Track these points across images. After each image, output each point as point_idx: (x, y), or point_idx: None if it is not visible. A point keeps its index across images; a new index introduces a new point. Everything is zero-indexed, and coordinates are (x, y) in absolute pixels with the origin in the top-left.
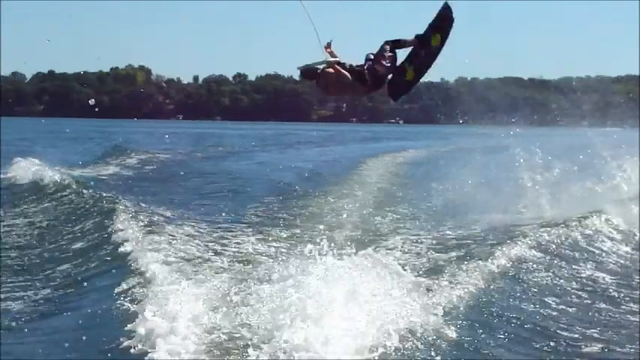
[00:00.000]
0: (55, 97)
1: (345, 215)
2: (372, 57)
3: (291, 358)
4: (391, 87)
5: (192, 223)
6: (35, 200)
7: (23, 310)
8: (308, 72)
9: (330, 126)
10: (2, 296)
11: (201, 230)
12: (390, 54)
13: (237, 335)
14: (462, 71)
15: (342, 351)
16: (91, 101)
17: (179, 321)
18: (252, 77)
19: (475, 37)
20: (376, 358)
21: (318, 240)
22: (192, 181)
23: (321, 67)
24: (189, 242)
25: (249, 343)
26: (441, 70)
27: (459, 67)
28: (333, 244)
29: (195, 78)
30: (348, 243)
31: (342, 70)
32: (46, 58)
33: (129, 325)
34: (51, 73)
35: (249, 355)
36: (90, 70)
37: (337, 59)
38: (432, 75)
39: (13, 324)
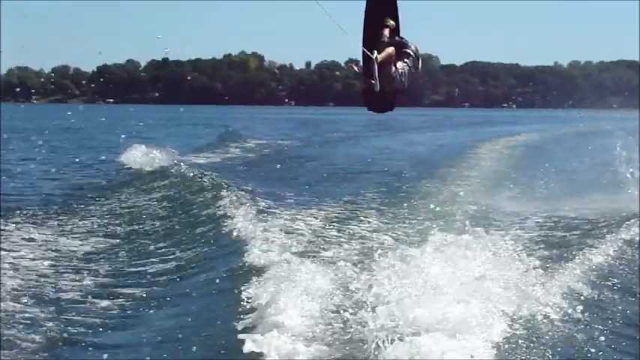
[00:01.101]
0: (169, 84)
1: (459, 197)
2: None
3: (415, 338)
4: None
5: (308, 208)
6: (151, 185)
7: (140, 295)
8: None
9: (443, 111)
10: (122, 280)
11: (317, 215)
12: None
13: (360, 317)
14: (576, 55)
15: (458, 332)
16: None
17: (297, 306)
18: None
19: (587, 19)
20: (494, 339)
21: (433, 222)
22: (305, 166)
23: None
24: (307, 226)
25: (373, 327)
26: (553, 54)
27: (571, 51)
28: (448, 226)
29: (308, 64)
30: (463, 224)
31: None
32: (160, 46)
33: (243, 311)
34: (165, 60)
35: (374, 339)
36: (203, 58)
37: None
38: (544, 58)
39: (133, 307)
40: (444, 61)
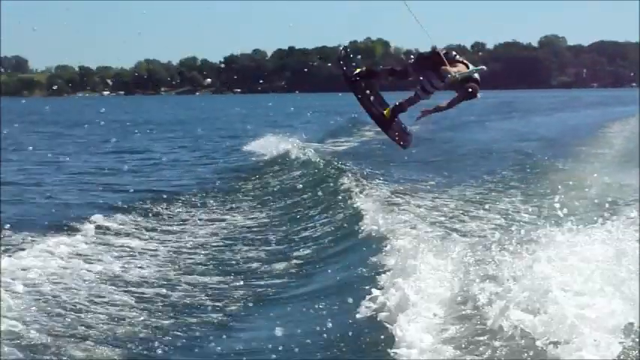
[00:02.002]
0: (296, 72)
1: (589, 181)
2: None
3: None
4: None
5: (443, 190)
6: (282, 173)
7: (275, 277)
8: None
9: (571, 92)
10: (258, 266)
11: (444, 200)
12: None
13: (487, 307)
14: None
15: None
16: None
17: (427, 293)
18: (490, 45)
19: None
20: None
21: (561, 208)
22: (437, 149)
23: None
24: (433, 212)
25: (502, 315)
26: None
27: None
28: (575, 213)
29: (434, 48)
30: (592, 211)
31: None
32: (287, 35)
33: (373, 298)
34: (291, 49)
35: (507, 322)
36: (329, 45)
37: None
38: None
39: (268, 289)
40: (570, 42)
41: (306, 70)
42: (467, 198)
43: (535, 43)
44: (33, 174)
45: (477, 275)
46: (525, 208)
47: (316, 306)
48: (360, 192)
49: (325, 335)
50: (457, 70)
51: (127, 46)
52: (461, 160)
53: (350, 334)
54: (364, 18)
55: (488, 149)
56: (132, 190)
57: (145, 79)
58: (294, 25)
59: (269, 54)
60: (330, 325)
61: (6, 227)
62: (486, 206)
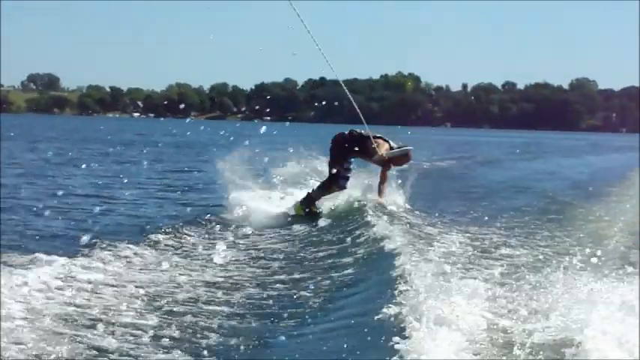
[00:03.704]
0: (326, 103)
1: (615, 228)
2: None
3: None
4: None
5: (453, 229)
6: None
7: (294, 307)
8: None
9: (600, 135)
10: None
11: (463, 236)
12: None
13: (515, 338)
14: None
15: None
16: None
17: (449, 330)
18: (521, 86)
19: None
20: None
21: (584, 253)
22: (459, 186)
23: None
24: (452, 248)
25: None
26: None
27: None
28: (601, 260)
29: (464, 86)
30: (616, 259)
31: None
32: (316, 66)
33: (394, 333)
34: (322, 79)
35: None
36: (360, 78)
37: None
38: None
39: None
40: (601, 86)
41: (336, 103)
42: (498, 230)
43: (566, 86)
44: (103, 188)
45: (506, 307)
46: (559, 243)
47: (339, 330)
48: (388, 220)
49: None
50: (386, 148)
51: (158, 69)
52: (493, 194)
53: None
54: (396, 52)
55: (517, 186)
56: (201, 204)
57: (176, 103)
58: (325, 56)
59: (300, 83)
60: (353, 347)
61: (96, 239)
62: (517, 240)
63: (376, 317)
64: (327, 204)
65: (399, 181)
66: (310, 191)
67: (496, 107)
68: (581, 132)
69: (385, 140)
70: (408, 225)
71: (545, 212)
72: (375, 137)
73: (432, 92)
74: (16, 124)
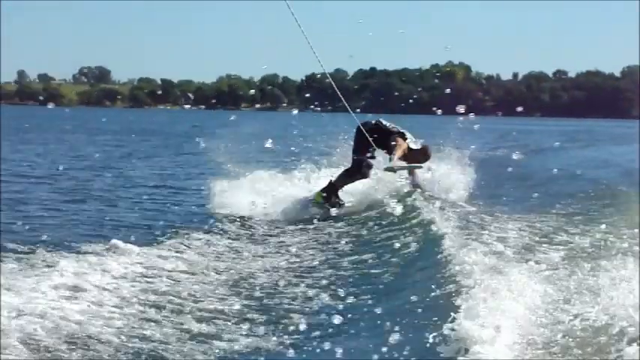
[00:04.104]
0: (376, 93)
1: None
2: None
3: None
4: None
5: (518, 215)
6: None
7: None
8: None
9: None
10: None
11: (520, 223)
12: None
13: (577, 332)
14: None
15: None
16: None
17: (510, 315)
18: (572, 74)
19: None
20: None
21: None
22: (512, 175)
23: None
24: (508, 234)
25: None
26: None
27: None
28: None
29: (515, 75)
30: None
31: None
32: (369, 55)
33: (444, 325)
34: (372, 69)
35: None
36: (410, 67)
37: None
38: None
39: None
40: None
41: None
42: (554, 217)
43: (617, 73)
44: (169, 179)
45: (564, 300)
46: (615, 230)
47: (392, 326)
48: (441, 209)
49: (402, 353)
50: (404, 149)
51: (208, 61)
52: (547, 181)
53: (428, 355)
54: (446, 42)
55: (570, 173)
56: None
57: (226, 94)
58: (375, 46)
59: (350, 74)
60: (406, 344)
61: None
62: (575, 226)
63: (433, 298)
64: (383, 189)
65: (456, 169)
66: (333, 179)
67: (547, 95)
68: (633, 119)
69: (405, 139)
70: (462, 212)
71: (600, 199)
72: (397, 133)
73: (483, 81)
74: (69, 117)
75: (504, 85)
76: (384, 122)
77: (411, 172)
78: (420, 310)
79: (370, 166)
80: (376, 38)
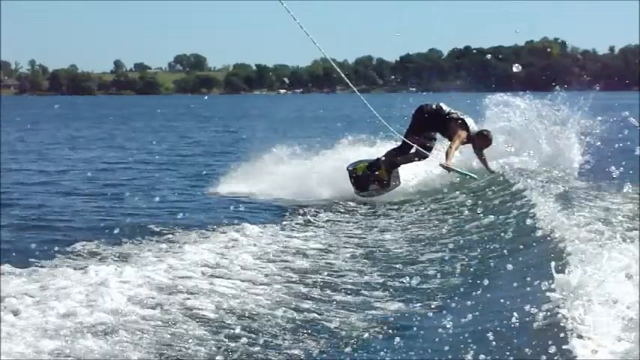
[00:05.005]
0: (471, 71)
1: None
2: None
3: None
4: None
5: (616, 191)
6: None
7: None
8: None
9: None
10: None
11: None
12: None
13: None
14: None
15: None
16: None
17: (612, 297)
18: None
19: None
20: None
21: None
22: (609, 151)
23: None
24: (615, 211)
25: None
26: None
27: None
28: None
29: (611, 48)
30: None
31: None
32: (464, 34)
33: (552, 301)
34: (467, 48)
35: None
36: (505, 45)
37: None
38: None
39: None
40: None
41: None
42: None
43: None
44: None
45: None
46: None
47: (489, 309)
48: (535, 189)
49: (501, 334)
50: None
51: (303, 45)
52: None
53: (527, 337)
54: (541, 17)
55: None
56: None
57: (321, 78)
58: (470, 26)
59: (445, 53)
60: (505, 324)
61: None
62: None
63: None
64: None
65: (563, 144)
66: (382, 157)
67: None
68: None
69: (466, 128)
70: (569, 187)
71: None
72: (457, 120)
73: (579, 56)
74: (168, 104)
75: (601, 59)
76: (445, 107)
77: (482, 159)
78: (513, 290)
79: (429, 149)
80: (472, 17)
